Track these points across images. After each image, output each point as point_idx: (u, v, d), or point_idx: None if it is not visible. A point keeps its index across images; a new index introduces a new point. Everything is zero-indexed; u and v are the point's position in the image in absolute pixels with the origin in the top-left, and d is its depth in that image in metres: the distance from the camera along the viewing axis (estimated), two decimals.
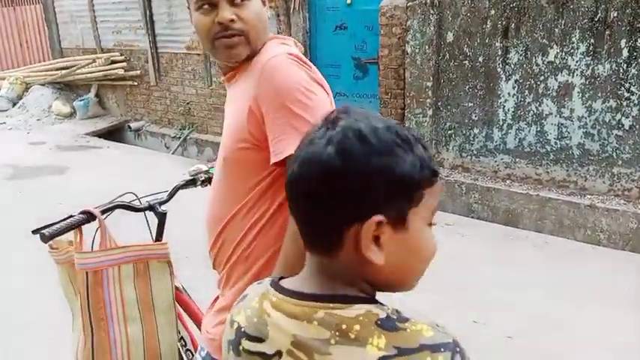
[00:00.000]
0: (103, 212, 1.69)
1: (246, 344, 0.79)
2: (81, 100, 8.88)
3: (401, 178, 0.71)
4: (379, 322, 0.70)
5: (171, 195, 1.95)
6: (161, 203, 1.91)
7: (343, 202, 0.71)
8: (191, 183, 1.99)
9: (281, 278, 0.82)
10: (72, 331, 1.77)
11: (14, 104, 9.38)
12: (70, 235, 1.63)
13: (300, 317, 0.73)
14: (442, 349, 0.69)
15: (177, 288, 1.87)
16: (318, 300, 0.73)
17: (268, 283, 0.82)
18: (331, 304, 0.72)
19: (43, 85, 9.35)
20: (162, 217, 1.90)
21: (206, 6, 1.26)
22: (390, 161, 0.71)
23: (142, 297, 1.68)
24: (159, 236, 1.89)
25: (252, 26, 1.26)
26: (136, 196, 1.89)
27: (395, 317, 0.71)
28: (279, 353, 0.74)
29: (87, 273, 1.59)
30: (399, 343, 0.69)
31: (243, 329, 0.80)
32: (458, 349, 0.71)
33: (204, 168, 2.01)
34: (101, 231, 1.64)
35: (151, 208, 1.89)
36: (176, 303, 1.78)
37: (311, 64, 1.25)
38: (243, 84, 1.28)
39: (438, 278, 3.29)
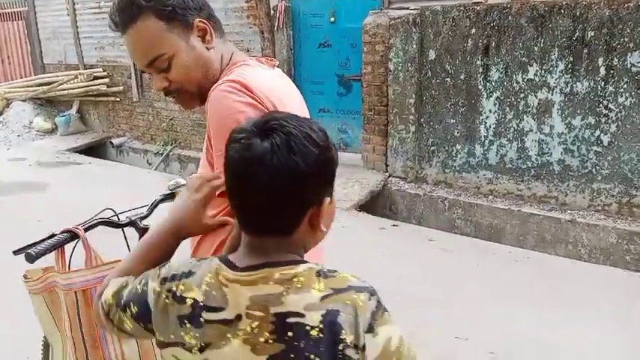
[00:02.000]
0: (86, 230, 1.66)
1: (207, 315, 0.91)
2: (62, 116, 8.80)
3: (337, 165, 0.95)
4: (318, 273, 0.91)
5: (152, 209, 1.91)
6: (142, 218, 1.87)
7: (308, 195, 0.90)
8: (170, 197, 1.97)
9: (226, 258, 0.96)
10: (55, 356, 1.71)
11: None
12: (42, 263, 1.55)
13: (257, 282, 0.89)
14: (363, 290, 0.90)
15: None
16: (273, 266, 0.90)
17: (217, 260, 0.94)
18: (285, 267, 0.90)
19: (24, 100, 9.25)
20: (143, 232, 1.85)
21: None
22: (332, 154, 0.93)
23: None
24: None
25: (186, 81, 1.24)
26: (114, 212, 1.85)
27: (326, 270, 0.92)
28: (238, 317, 0.89)
29: (75, 293, 1.54)
30: (333, 285, 0.90)
31: (201, 303, 0.91)
32: (375, 294, 0.92)
33: (183, 182, 1.98)
34: (86, 249, 1.60)
35: (132, 223, 1.84)
36: None
37: (253, 87, 1.15)
38: None
39: (421, 294, 3.30)
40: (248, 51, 6.67)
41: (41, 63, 9.52)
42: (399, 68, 4.85)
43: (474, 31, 4.40)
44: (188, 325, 0.92)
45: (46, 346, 1.80)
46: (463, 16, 4.43)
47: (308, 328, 0.87)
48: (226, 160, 0.92)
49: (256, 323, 0.88)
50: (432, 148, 4.85)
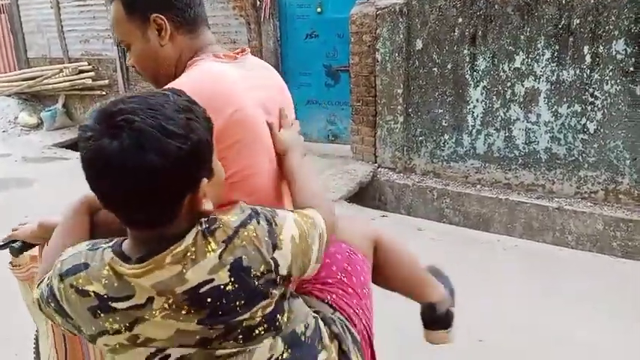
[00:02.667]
0: None
1: (117, 305, 0.90)
2: (48, 111, 8.69)
3: (209, 144, 0.92)
4: (204, 234, 0.90)
5: None
6: None
7: (176, 188, 0.87)
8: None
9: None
10: (40, 343, 1.72)
11: None
12: (31, 251, 1.57)
13: (153, 271, 0.89)
14: (249, 221, 0.93)
15: None
16: (161, 251, 0.89)
17: (110, 253, 0.93)
18: (173, 247, 0.89)
19: (8, 95, 9.13)
20: None
21: None
22: (199, 136, 0.87)
23: None
24: None
25: (140, 67, 1.32)
26: None
27: (208, 225, 0.92)
28: (150, 299, 0.89)
29: None
30: (222, 237, 0.91)
31: (105, 295, 0.90)
32: (258, 212, 0.96)
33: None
34: None
35: None
36: None
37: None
38: None
39: None
40: (234, 43, 6.63)
41: (25, 57, 9.38)
42: (387, 58, 4.84)
43: (460, 20, 4.39)
44: (102, 315, 0.91)
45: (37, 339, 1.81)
46: (450, 6, 4.42)
47: (222, 287, 0.90)
48: (81, 160, 0.88)
49: (171, 300, 0.89)
50: (420, 138, 4.86)
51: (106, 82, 7.99)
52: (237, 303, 0.91)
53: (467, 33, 4.39)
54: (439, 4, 4.47)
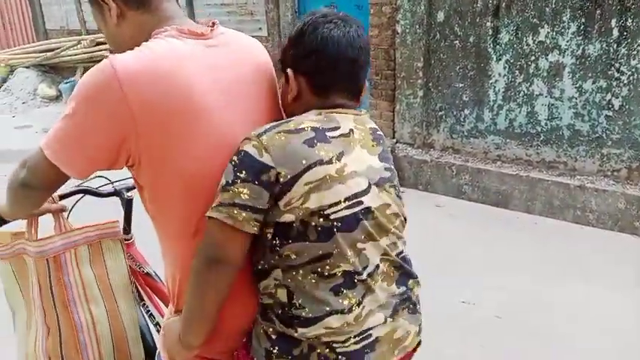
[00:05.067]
0: (62, 197, 1.63)
1: (330, 134, 1.11)
2: (67, 83, 8.74)
3: None
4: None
5: None
6: (129, 189, 1.79)
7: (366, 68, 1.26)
8: None
9: None
10: (15, 331, 1.70)
11: None
12: (11, 227, 1.54)
13: (351, 113, 1.20)
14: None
15: (148, 274, 1.86)
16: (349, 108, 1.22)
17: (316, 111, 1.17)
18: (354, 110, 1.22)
19: (27, 67, 9.19)
20: (128, 203, 1.81)
21: None
22: None
23: (100, 277, 1.67)
24: (127, 224, 1.82)
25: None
26: (109, 180, 1.78)
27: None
28: (351, 130, 1.16)
29: (47, 260, 1.55)
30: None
31: (320, 127, 1.11)
32: None
33: None
34: (57, 215, 1.60)
35: (116, 193, 1.78)
36: (135, 282, 1.79)
37: (122, 67, 1.04)
38: None
39: (428, 259, 3.30)
40: (252, 14, 6.56)
41: (43, 29, 9.42)
42: (407, 31, 4.74)
43: None
44: (319, 144, 1.08)
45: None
46: None
47: (383, 136, 1.26)
48: (305, 44, 1.15)
49: (363, 133, 1.17)
50: (440, 113, 4.79)
51: None
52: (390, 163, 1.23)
53: (490, 5, 4.27)
54: None
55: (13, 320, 1.71)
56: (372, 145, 1.18)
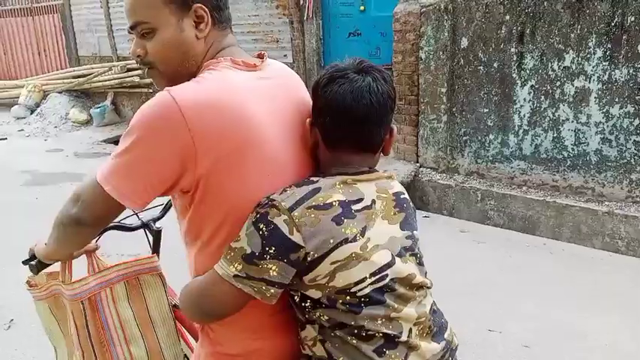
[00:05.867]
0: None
1: (354, 206, 1.10)
2: (97, 108, 8.98)
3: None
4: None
5: (166, 210, 1.80)
6: (155, 220, 1.78)
7: (390, 120, 1.21)
8: None
9: None
10: None
11: (32, 112, 9.53)
12: (51, 268, 1.51)
13: (374, 180, 1.19)
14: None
15: (177, 306, 1.75)
16: (374, 171, 1.22)
17: (338, 176, 1.16)
18: (377, 172, 1.24)
19: (60, 92, 9.48)
20: (157, 235, 1.78)
21: (132, 35, 1.22)
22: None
23: (139, 313, 1.62)
24: (155, 254, 1.76)
25: (160, 59, 1.18)
26: (135, 212, 1.72)
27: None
28: (373, 201, 1.15)
29: (82, 302, 1.51)
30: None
31: (346, 200, 1.09)
32: None
33: None
34: (88, 256, 1.59)
35: (145, 225, 1.77)
36: (175, 319, 1.71)
37: (184, 100, 1.05)
38: None
39: (453, 286, 3.27)
40: (277, 42, 6.67)
41: (76, 55, 9.72)
42: (431, 57, 4.78)
43: (508, 17, 4.29)
44: (346, 220, 1.07)
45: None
46: (497, 3, 4.33)
47: (408, 199, 1.25)
48: (322, 94, 1.14)
49: (385, 203, 1.16)
50: (465, 137, 4.78)
51: None
52: (414, 221, 1.23)
53: (514, 31, 4.29)
54: (486, 1, 4.38)
55: (55, 356, 1.71)
56: (394, 214, 1.16)
